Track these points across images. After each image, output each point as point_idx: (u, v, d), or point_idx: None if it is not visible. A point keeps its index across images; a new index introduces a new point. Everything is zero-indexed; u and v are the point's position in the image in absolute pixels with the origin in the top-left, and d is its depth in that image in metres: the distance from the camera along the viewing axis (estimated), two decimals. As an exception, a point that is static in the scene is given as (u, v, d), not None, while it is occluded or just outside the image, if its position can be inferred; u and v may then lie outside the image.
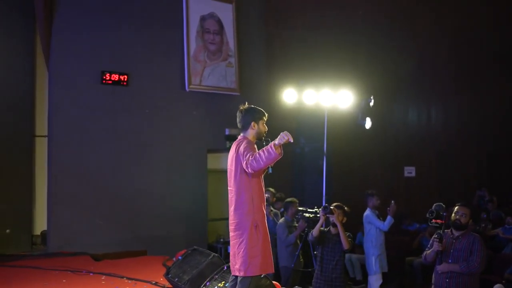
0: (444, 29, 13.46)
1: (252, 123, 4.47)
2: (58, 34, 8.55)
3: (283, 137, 4.14)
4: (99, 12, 8.88)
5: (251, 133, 4.50)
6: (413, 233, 10.51)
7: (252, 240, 4.31)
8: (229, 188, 4.49)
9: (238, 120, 4.56)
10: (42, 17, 8.42)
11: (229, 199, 4.47)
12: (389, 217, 7.67)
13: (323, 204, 8.59)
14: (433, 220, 5.38)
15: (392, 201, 7.71)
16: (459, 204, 5.31)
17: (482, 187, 12.10)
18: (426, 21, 13.30)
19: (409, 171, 13.00)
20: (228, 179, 4.49)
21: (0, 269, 7.24)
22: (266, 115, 4.57)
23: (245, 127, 4.51)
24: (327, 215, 6.29)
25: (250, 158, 4.20)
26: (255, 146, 4.48)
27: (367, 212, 7.93)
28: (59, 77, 8.62)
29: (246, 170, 4.28)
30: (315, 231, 6.30)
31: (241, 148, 4.34)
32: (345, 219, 6.35)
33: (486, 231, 10.07)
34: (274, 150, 4.10)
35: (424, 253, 5.46)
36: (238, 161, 4.35)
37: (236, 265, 4.37)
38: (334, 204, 6.42)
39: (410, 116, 13.48)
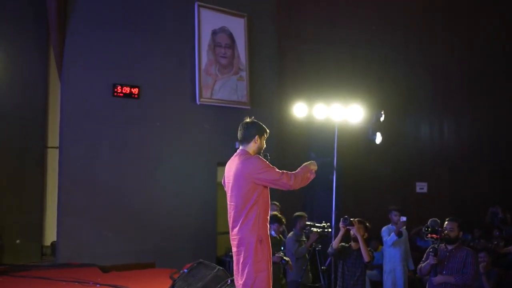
0: (457, 44, 13.42)
1: (256, 137, 4.35)
2: (71, 47, 8.65)
3: (315, 165, 4.35)
4: (112, 25, 8.99)
5: (252, 146, 4.36)
6: (425, 250, 10.37)
7: (258, 255, 4.17)
8: (229, 203, 4.35)
9: (240, 132, 4.42)
10: (56, 30, 8.55)
11: (228, 213, 4.35)
12: (392, 234, 7.59)
13: (333, 218, 8.59)
14: (429, 235, 5.48)
15: (403, 218, 7.62)
16: (448, 219, 5.54)
17: (495, 204, 11.94)
18: (439, 36, 13.26)
19: (421, 187, 12.88)
20: (229, 195, 4.36)
21: (10, 279, 7.30)
22: (268, 132, 4.47)
23: (247, 140, 4.37)
24: (348, 227, 6.12)
25: (292, 177, 4.16)
26: None
27: (384, 227, 7.94)
28: (71, 89, 8.70)
29: (281, 188, 4.23)
30: (335, 243, 6.17)
31: (258, 166, 4.16)
32: (366, 234, 6.25)
33: (498, 248, 9.93)
34: (313, 174, 4.31)
35: (419, 265, 5.68)
36: (249, 177, 4.17)
37: (241, 281, 4.21)
38: (356, 219, 6.24)
39: (422, 131, 13.39)
